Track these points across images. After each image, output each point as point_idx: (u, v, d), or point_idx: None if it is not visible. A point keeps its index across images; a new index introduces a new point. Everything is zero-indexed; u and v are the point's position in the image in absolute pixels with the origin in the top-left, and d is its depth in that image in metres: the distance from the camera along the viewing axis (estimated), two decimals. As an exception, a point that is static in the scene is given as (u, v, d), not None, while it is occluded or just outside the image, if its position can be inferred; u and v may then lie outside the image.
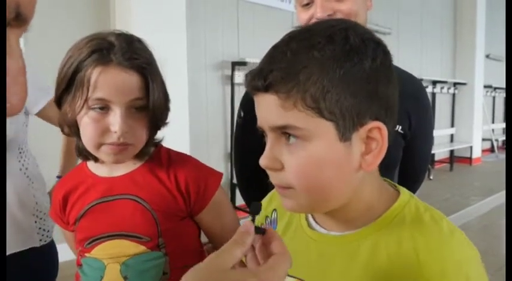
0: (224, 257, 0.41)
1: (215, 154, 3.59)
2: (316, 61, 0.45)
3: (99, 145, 0.72)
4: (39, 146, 1.35)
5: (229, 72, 3.59)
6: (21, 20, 0.30)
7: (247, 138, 1.05)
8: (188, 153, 0.85)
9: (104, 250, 0.76)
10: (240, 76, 3.55)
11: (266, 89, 0.46)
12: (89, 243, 0.77)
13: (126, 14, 2.75)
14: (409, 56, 5.53)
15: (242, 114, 1.06)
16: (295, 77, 0.45)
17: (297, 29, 0.49)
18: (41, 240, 1.07)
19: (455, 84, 6.61)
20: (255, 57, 3.47)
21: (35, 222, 1.06)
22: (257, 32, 3.73)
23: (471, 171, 6.27)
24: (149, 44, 0.77)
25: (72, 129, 0.74)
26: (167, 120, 0.79)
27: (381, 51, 0.48)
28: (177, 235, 0.77)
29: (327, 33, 0.46)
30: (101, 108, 0.70)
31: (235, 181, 3.29)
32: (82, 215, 0.79)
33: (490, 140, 7.49)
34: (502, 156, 7.21)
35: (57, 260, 1.14)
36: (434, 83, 6.08)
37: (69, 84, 0.71)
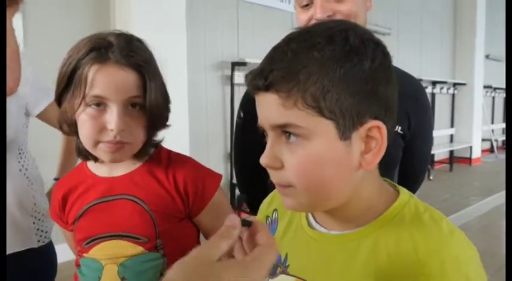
0: (210, 249, 0.41)
1: (215, 154, 3.59)
2: (316, 61, 0.45)
3: (96, 143, 0.72)
4: (39, 148, 1.35)
5: (229, 72, 3.59)
6: (12, 0, 0.30)
7: (247, 139, 1.05)
8: (188, 153, 0.86)
9: (101, 251, 0.76)
10: (239, 76, 3.55)
11: (267, 88, 0.47)
12: (87, 243, 0.77)
13: (126, 14, 2.75)
14: (408, 57, 5.54)
15: (242, 114, 1.06)
16: (295, 77, 0.45)
17: (297, 30, 0.50)
18: (39, 241, 1.07)
19: (454, 84, 6.62)
20: (255, 57, 3.47)
21: (33, 223, 1.06)
22: (257, 33, 3.74)
23: (471, 171, 6.28)
24: (149, 44, 0.77)
25: (71, 127, 0.74)
26: (168, 123, 0.79)
27: (380, 51, 0.49)
28: (175, 236, 0.77)
29: (327, 34, 0.47)
30: (98, 105, 0.70)
31: (235, 181, 3.29)
32: (81, 215, 0.79)
33: (490, 140, 7.50)
34: (502, 156, 7.21)
35: (56, 261, 1.14)
36: (434, 83, 6.08)
37: (68, 82, 0.72)
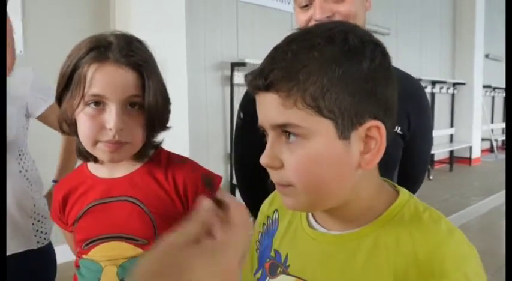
0: (177, 235, 0.38)
1: (215, 154, 3.59)
2: (316, 61, 0.46)
3: (95, 142, 0.72)
4: (39, 149, 1.35)
5: (228, 73, 3.59)
6: None
7: (247, 140, 1.05)
8: (188, 154, 0.86)
9: (101, 252, 0.76)
10: (239, 77, 3.55)
11: (267, 88, 0.47)
12: (87, 244, 0.77)
13: (126, 14, 2.75)
14: (408, 56, 5.54)
15: (242, 115, 1.06)
16: (295, 77, 0.46)
17: (298, 31, 0.51)
18: (38, 242, 1.07)
19: (454, 84, 6.62)
20: (254, 58, 3.47)
21: (33, 224, 1.06)
22: (256, 33, 3.74)
23: (471, 171, 6.28)
24: (149, 45, 0.77)
25: (71, 127, 0.74)
26: (169, 125, 0.78)
27: (379, 52, 0.49)
28: None
29: (327, 35, 0.47)
30: (97, 105, 0.70)
31: (235, 181, 3.29)
32: (81, 216, 0.78)
33: (490, 140, 7.50)
34: (502, 156, 7.22)
35: (55, 262, 1.14)
36: (433, 83, 6.08)
37: (68, 82, 0.72)
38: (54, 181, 1.21)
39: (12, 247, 1.02)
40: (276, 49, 0.49)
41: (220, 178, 0.82)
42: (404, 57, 5.28)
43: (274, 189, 0.68)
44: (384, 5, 5.12)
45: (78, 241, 0.79)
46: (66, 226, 0.83)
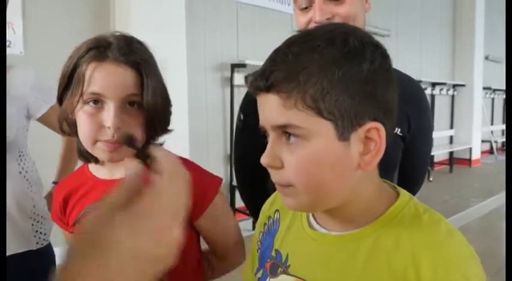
0: (102, 206, 0.34)
1: (215, 155, 3.59)
2: (316, 63, 0.46)
3: (94, 141, 0.71)
4: (39, 151, 1.35)
5: (228, 74, 3.59)
6: None
7: (247, 141, 1.05)
8: (188, 155, 0.85)
9: None
10: (239, 78, 3.55)
11: (268, 89, 0.48)
12: None
13: (126, 14, 2.75)
14: (408, 58, 5.54)
15: (242, 117, 1.06)
16: (295, 78, 0.46)
17: (298, 33, 0.51)
18: (37, 243, 1.07)
19: (454, 86, 6.62)
20: (254, 59, 3.47)
21: (32, 225, 1.06)
22: (256, 34, 3.74)
23: (470, 173, 6.28)
24: (150, 46, 0.77)
25: (71, 127, 0.74)
26: (170, 128, 0.78)
27: (379, 54, 0.49)
28: None
29: (327, 37, 0.48)
30: (95, 103, 0.70)
31: (235, 182, 3.29)
32: (81, 217, 0.78)
33: (489, 141, 7.50)
34: (501, 158, 7.22)
35: (55, 262, 1.14)
36: (433, 84, 6.09)
37: (69, 81, 0.72)
38: (54, 183, 1.21)
39: (12, 248, 1.02)
40: (277, 51, 0.49)
41: (220, 179, 0.82)
42: (404, 58, 5.28)
43: (274, 190, 0.68)
44: (383, 6, 5.12)
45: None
46: (67, 226, 0.82)
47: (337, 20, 0.87)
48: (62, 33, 2.56)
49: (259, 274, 0.62)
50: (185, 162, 0.81)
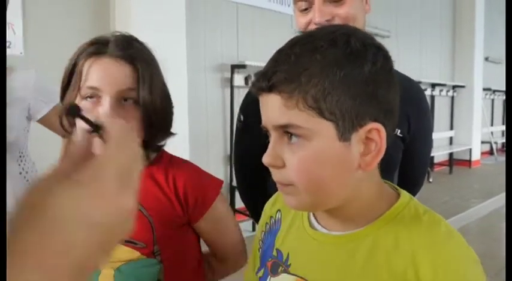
0: (45, 176, 0.33)
1: (215, 156, 3.59)
2: (318, 64, 0.47)
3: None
4: (39, 152, 1.35)
5: (228, 75, 3.59)
6: None
7: (247, 141, 1.05)
8: (188, 155, 0.85)
9: None
10: (239, 79, 3.55)
11: (270, 89, 0.48)
12: None
13: (126, 14, 2.75)
14: (408, 59, 5.54)
15: (242, 118, 1.06)
16: (297, 79, 0.47)
17: (301, 35, 0.52)
18: None
19: (454, 87, 6.62)
20: (254, 60, 3.47)
21: None
22: (256, 35, 3.74)
23: (470, 173, 6.28)
24: (150, 47, 0.77)
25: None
26: (173, 130, 0.77)
27: (381, 55, 0.50)
28: (173, 242, 0.76)
29: (329, 38, 0.48)
30: (92, 98, 0.70)
31: (234, 183, 3.29)
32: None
33: (489, 142, 7.51)
34: (501, 158, 7.22)
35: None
36: (433, 85, 6.09)
37: (69, 79, 0.73)
38: None
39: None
40: (280, 52, 0.50)
41: (221, 182, 0.81)
42: (404, 59, 5.29)
43: (273, 190, 0.68)
44: (383, 7, 5.13)
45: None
46: None
47: (337, 21, 0.87)
48: (62, 33, 2.56)
49: (260, 273, 0.62)
50: (186, 164, 0.81)
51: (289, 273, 0.57)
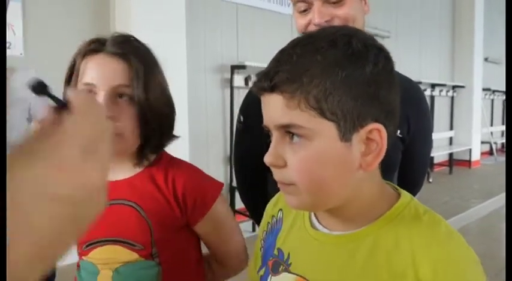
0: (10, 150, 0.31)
1: (214, 156, 3.59)
2: (319, 64, 0.47)
3: None
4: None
5: (228, 75, 3.59)
6: None
7: (247, 142, 1.05)
8: (187, 156, 0.85)
9: (99, 255, 0.75)
10: (239, 80, 3.56)
11: (272, 89, 0.49)
12: (87, 246, 0.77)
13: (126, 14, 2.75)
14: (407, 59, 5.55)
15: (242, 119, 1.06)
16: (299, 79, 0.47)
17: (302, 36, 0.53)
18: None
19: (454, 87, 6.62)
20: (254, 60, 3.47)
21: None
22: (256, 36, 3.74)
23: (470, 174, 6.28)
24: (150, 47, 0.77)
25: None
26: (175, 133, 0.78)
27: (382, 56, 0.50)
28: (171, 244, 0.76)
29: (330, 39, 0.49)
30: None
31: (234, 184, 3.29)
32: None
33: (489, 142, 7.51)
34: (501, 159, 7.22)
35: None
36: (433, 86, 6.09)
37: (70, 78, 0.74)
38: None
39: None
40: (281, 52, 0.50)
41: (221, 184, 0.80)
42: (404, 60, 5.29)
43: (274, 191, 0.68)
44: (383, 7, 5.13)
45: (79, 242, 0.79)
46: None
47: (336, 22, 0.87)
48: (62, 34, 2.56)
49: (261, 272, 0.62)
50: (186, 165, 0.81)
51: (289, 272, 0.57)
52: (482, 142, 7.15)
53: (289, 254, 0.58)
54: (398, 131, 0.92)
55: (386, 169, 0.55)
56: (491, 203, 4.35)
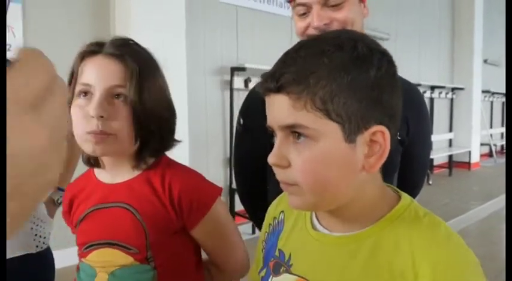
0: None
1: (214, 158, 3.59)
2: (326, 67, 0.48)
3: (84, 133, 0.71)
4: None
5: (228, 77, 3.60)
6: None
7: (246, 144, 1.05)
8: (187, 158, 0.85)
9: (96, 257, 0.75)
10: (239, 81, 3.56)
11: (278, 90, 0.49)
12: (86, 248, 0.77)
13: (126, 14, 2.76)
14: (407, 61, 5.56)
15: (242, 121, 1.06)
16: (305, 80, 0.48)
17: (306, 39, 0.54)
18: (37, 246, 1.07)
19: (453, 89, 6.63)
20: (254, 62, 3.48)
21: (32, 228, 1.06)
22: (256, 38, 3.75)
23: (470, 176, 6.28)
24: (150, 48, 0.77)
25: (69, 123, 0.74)
26: (176, 137, 0.78)
27: (385, 61, 0.51)
28: (167, 248, 0.75)
29: (336, 42, 0.50)
30: (85, 94, 0.72)
31: (234, 186, 3.28)
32: (81, 219, 0.79)
33: (489, 144, 7.51)
34: (500, 161, 7.22)
35: (54, 266, 1.14)
36: (432, 88, 6.10)
37: (71, 79, 0.75)
38: (61, 189, 1.21)
39: (11, 251, 1.02)
40: (287, 54, 0.51)
41: (219, 189, 0.79)
42: (404, 62, 5.29)
43: (275, 193, 0.68)
44: (383, 10, 5.14)
45: (78, 244, 0.79)
46: (72, 226, 0.83)
47: (335, 25, 0.87)
48: (62, 35, 2.57)
49: (262, 273, 0.63)
50: (184, 169, 0.80)
51: (290, 273, 0.57)
52: (482, 144, 7.15)
53: (290, 255, 0.59)
54: (398, 133, 0.92)
55: (386, 171, 0.55)
56: (491, 205, 4.35)
